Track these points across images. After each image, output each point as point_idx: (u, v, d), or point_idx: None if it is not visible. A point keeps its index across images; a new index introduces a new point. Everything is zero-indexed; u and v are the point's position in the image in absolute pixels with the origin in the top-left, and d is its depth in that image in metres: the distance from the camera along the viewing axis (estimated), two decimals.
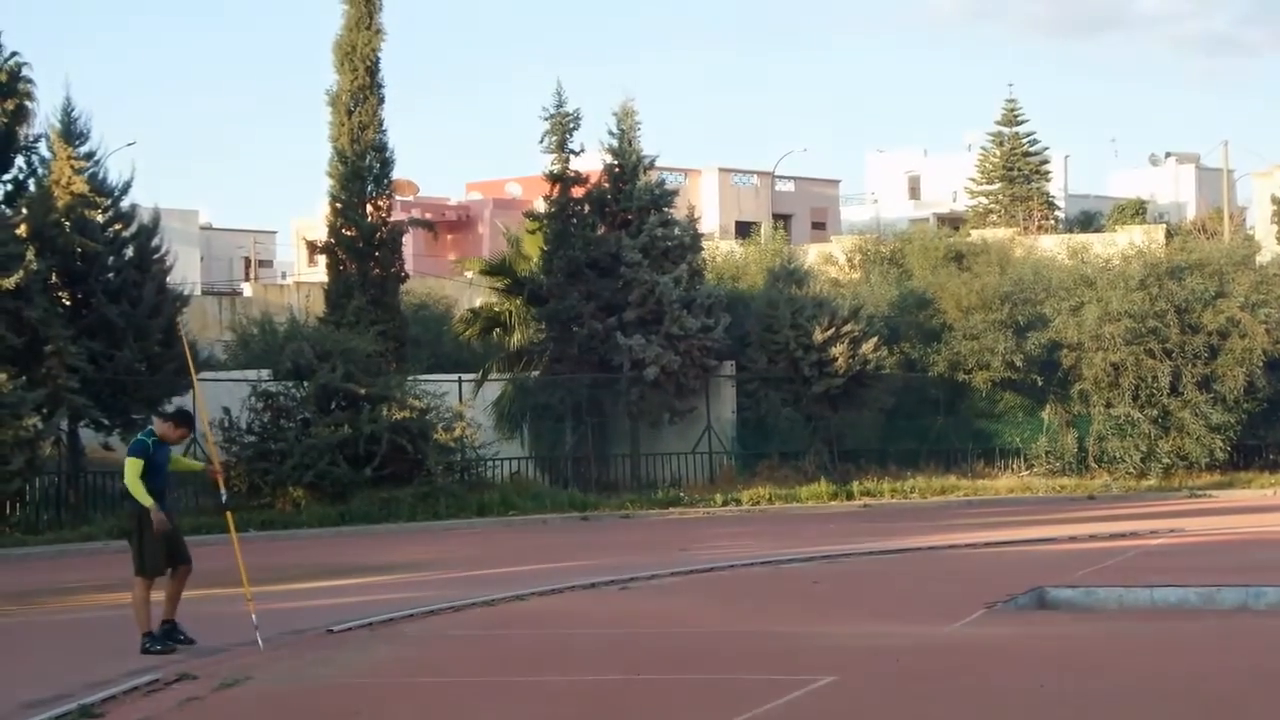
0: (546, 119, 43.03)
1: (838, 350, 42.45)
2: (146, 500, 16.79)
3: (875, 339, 43.39)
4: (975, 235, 64.75)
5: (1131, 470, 44.38)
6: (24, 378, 31.32)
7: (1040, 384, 45.08)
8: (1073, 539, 28.98)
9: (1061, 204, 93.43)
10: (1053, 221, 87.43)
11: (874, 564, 25.66)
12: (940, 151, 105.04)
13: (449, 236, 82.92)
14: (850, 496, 40.59)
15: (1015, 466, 45.15)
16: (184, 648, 16.78)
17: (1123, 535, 29.41)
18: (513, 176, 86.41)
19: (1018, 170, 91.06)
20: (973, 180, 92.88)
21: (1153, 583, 21.17)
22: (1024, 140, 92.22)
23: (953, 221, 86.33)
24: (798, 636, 17.27)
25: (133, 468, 16.84)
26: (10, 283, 30.68)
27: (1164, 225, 71.69)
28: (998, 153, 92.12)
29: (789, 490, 40.58)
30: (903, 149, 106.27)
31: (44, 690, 14.43)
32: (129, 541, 17.33)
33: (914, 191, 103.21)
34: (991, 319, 44.45)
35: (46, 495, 34.23)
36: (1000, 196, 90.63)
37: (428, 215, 77.56)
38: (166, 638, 16.89)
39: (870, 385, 43.84)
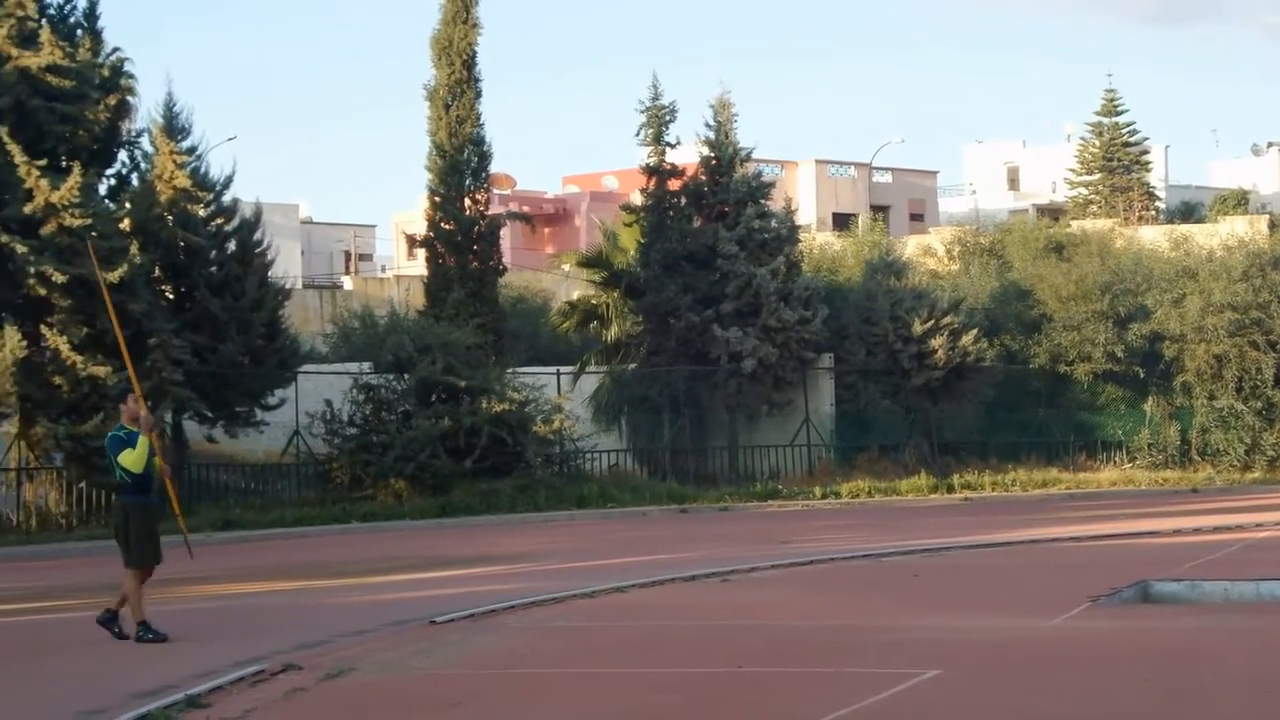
0: (643, 112, 43.09)
1: (937, 342, 42.24)
2: (142, 455, 17.12)
3: (975, 331, 43.16)
4: (1075, 226, 64.18)
5: (1235, 463, 43.97)
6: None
7: (1142, 376, 44.74)
8: (1176, 532, 28.69)
9: (1162, 194, 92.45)
10: (1153, 212, 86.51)
11: (975, 557, 25.52)
12: (1039, 142, 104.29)
13: (546, 230, 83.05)
14: (950, 489, 40.41)
15: (1117, 459, 44.77)
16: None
17: (1227, 528, 29.06)
18: (609, 170, 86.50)
19: (1117, 160, 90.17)
20: (1072, 171, 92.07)
21: (1259, 576, 20.92)
22: (1124, 130, 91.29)
23: (1052, 212, 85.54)
24: (900, 630, 17.20)
25: (127, 455, 17.17)
26: (114, 276, 30.96)
27: (1267, 215, 70.73)
28: (1097, 143, 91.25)
29: (888, 483, 40.46)
30: (1001, 140, 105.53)
31: (150, 681, 14.56)
32: (116, 538, 17.64)
33: (1013, 182, 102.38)
34: (1091, 309, 44.14)
35: None
36: (1100, 187, 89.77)
37: (525, 209, 77.70)
38: (104, 625, 17.16)
39: (970, 377, 43.60)
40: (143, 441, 17.25)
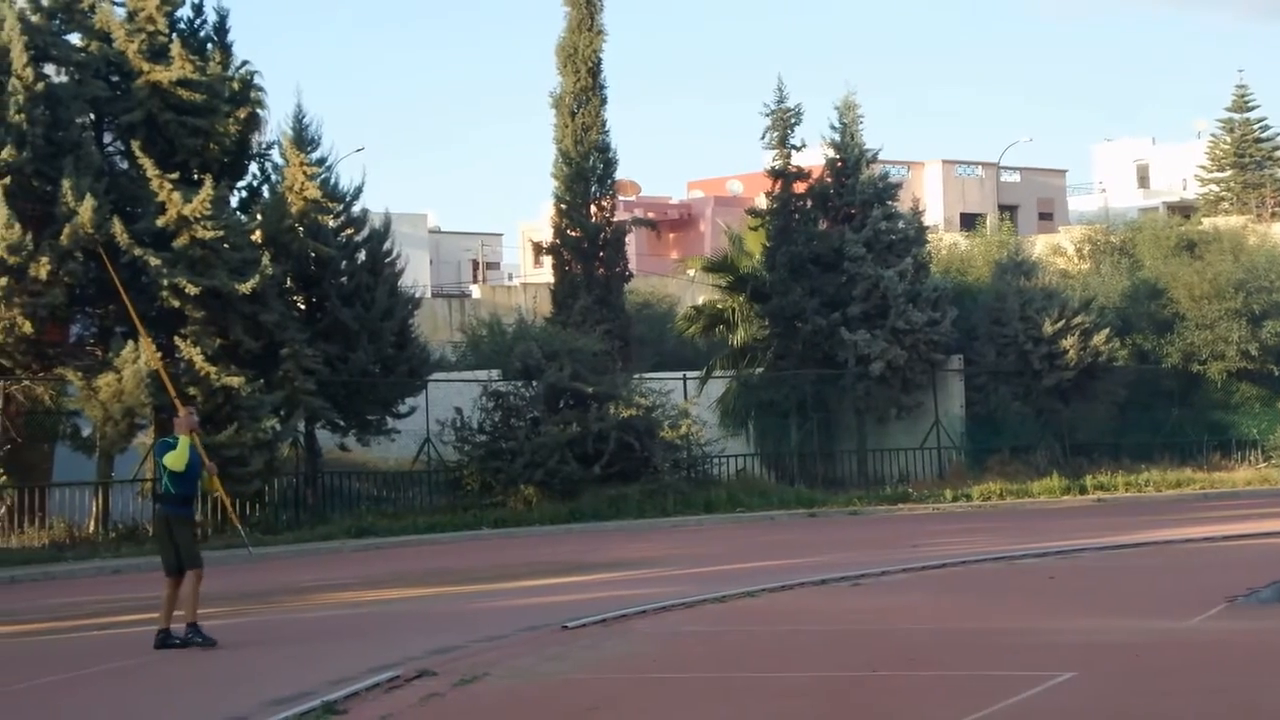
0: (768, 115, 43.06)
1: (1068, 343, 41.84)
2: (183, 453, 17.63)
3: (1106, 330, 42.69)
4: (1207, 223, 63.37)
5: None
6: (262, 381, 32.03)
7: (1277, 374, 44.12)
8: None
9: None
10: None
11: (1109, 558, 25.27)
12: (1169, 139, 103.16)
13: (671, 235, 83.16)
14: (1083, 491, 40.02)
15: (1253, 458, 44.17)
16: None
17: None
18: (734, 174, 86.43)
19: (1249, 157, 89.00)
20: (1203, 168, 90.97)
21: None
22: (1255, 126, 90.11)
23: (1183, 210, 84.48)
24: (1033, 632, 17.07)
25: (169, 456, 17.71)
26: (247, 287, 31.37)
27: None
28: (1228, 139, 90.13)
29: (1020, 485, 40.15)
30: (1131, 137, 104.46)
31: (288, 688, 14.71)
32: (160, 547, 18.39)
33: (1143, 180, 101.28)
34: (1225, 308, 43.57)
35: (285, 496, 34.93)
36: (1232, 184, 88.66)
37: (650, 215, 77.79)
38: (187, 642, 17.50)
39: (1102, 378, 43.14)
40: (183, 440, 17.80)
